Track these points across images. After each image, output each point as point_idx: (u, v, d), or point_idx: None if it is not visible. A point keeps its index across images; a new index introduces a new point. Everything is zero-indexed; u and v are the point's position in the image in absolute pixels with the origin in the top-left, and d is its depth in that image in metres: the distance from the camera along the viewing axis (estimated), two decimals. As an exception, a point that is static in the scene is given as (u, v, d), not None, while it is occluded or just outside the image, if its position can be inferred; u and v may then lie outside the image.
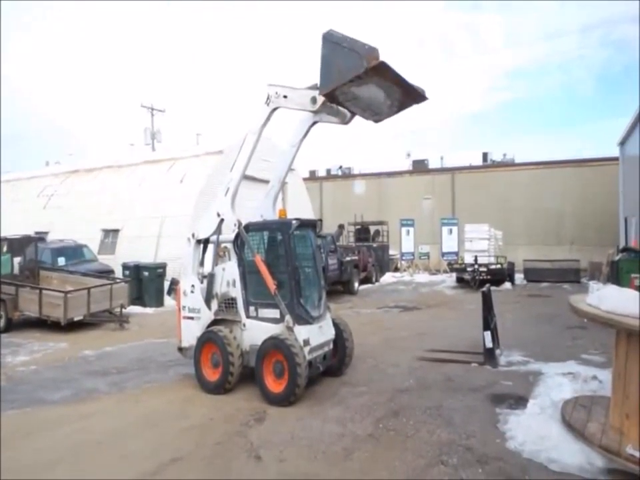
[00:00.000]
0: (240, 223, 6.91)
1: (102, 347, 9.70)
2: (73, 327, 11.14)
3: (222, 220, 7.18)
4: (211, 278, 7.21)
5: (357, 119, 6.99)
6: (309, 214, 23.23)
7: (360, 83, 5.84)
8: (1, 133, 64.60)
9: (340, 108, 6.80)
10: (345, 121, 7.04)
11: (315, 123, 7.12)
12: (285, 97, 6.77)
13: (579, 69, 75.04)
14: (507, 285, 18.08)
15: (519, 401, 6.05)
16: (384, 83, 5.90)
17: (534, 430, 5.09)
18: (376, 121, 6.93)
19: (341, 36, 5.94)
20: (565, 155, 29.31)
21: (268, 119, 7.03)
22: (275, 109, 6.95)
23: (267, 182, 8.00)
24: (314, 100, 6.44)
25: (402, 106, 6.54)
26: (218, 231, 7.28)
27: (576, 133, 67.36)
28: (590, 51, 64.71)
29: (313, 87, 6.53)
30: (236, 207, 7.21)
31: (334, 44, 5.96)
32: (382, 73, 5.68)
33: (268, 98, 6.90)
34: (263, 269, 6.53)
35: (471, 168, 28.90)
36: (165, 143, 32.39)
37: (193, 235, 7.45)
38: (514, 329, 10.32)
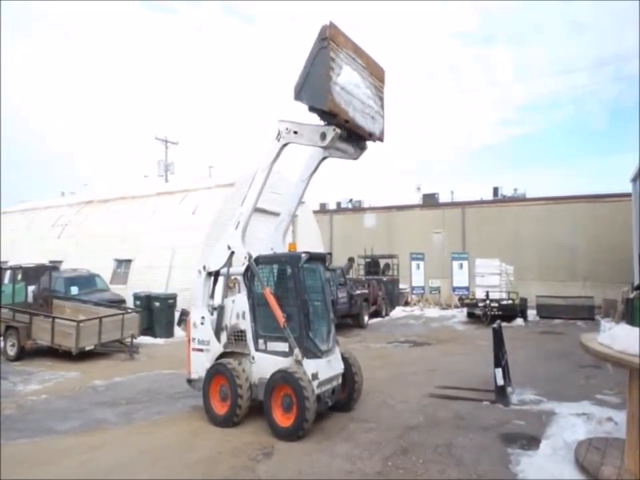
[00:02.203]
0: (250, 256, 6.98)
1: (112, 377, 9.71)
2: (83, 356, 11.17)
3: (232, 253, 7.25)
4: (220, 310, 7.24)
5: (366, 154, 7.17)
6: (319, 247, 23.33)
7: (338, 69, 6.29)
8: (1, 160, 66.31)
9: (348, 144, 6.96)
10: (355, 156, 7.19)
11: (324, 158, 7.27)
12: (296, 132, 6.89)
13: (591, 103, 75.65)
14: (519, 321, 17.82)
15: (531, 441, 5.92)
16: (350, 55, 6.53)
17: (547, 472, 4.99)
18: (379, 133, 7.15)
19: (300, 74, 6.42)
20: (576, 190, 29.30)
21: (278, 154, 7.13)
22: (285, 145, 7.06)
23: (276, 214, 8.11)
24: (324, 136, 6.56)
25: (378, 89, 7.15)
26: (228, 263, 7.35)
27: (588, 168, 67.35)
28: (602, 86, 65.33)
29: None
30: (246, 239, 7.32)
31: (303, 86, 6.39)
32: (338, 39, 6.31)
33: (279, 134, 7.01)
34: (272, 301, 6.56)
35: (481, 202, 28.91)
36: (178, 175, 33.06)
37: (204, 267, 7.52)
38: (526, 367, 10.15)
